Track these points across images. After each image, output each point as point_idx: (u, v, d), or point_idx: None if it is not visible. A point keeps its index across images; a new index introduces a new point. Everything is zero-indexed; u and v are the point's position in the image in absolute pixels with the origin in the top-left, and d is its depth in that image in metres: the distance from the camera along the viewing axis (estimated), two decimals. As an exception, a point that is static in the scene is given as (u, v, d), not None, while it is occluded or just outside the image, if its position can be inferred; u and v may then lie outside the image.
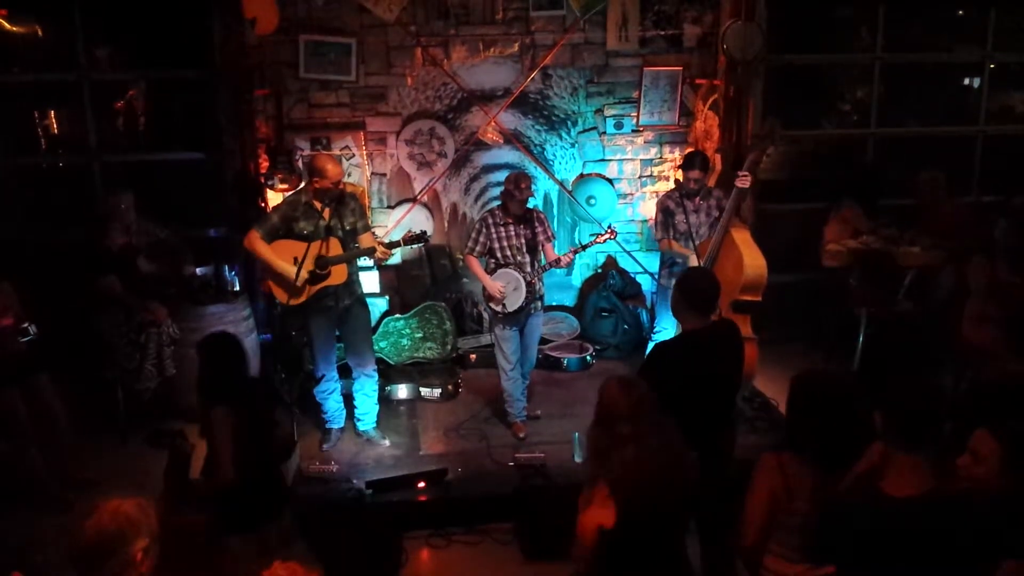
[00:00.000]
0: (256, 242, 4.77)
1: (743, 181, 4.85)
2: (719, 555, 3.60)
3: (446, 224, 6.78)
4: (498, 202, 5.38)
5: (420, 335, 6.30)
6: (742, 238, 4.92)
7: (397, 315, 6.31)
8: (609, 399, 2.81)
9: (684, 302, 3.57)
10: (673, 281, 5.26)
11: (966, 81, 7.55)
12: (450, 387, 5.94)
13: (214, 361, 3.54)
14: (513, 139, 6.62)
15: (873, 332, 5.85)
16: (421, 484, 4.64)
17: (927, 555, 2.20)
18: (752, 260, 4.82)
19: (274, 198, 6.00)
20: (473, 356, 6.40)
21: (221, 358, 3.56)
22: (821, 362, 6.06)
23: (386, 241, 5.04)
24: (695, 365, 3.45)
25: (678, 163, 6.17)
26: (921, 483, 2.26)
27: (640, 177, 6.85)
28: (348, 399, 5.29)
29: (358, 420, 5.28)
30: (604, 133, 6.71)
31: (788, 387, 2.89)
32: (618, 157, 6.79)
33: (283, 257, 4.78)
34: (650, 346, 5.50)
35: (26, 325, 4.47)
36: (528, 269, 5.08)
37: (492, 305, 5.13)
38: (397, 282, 6.64)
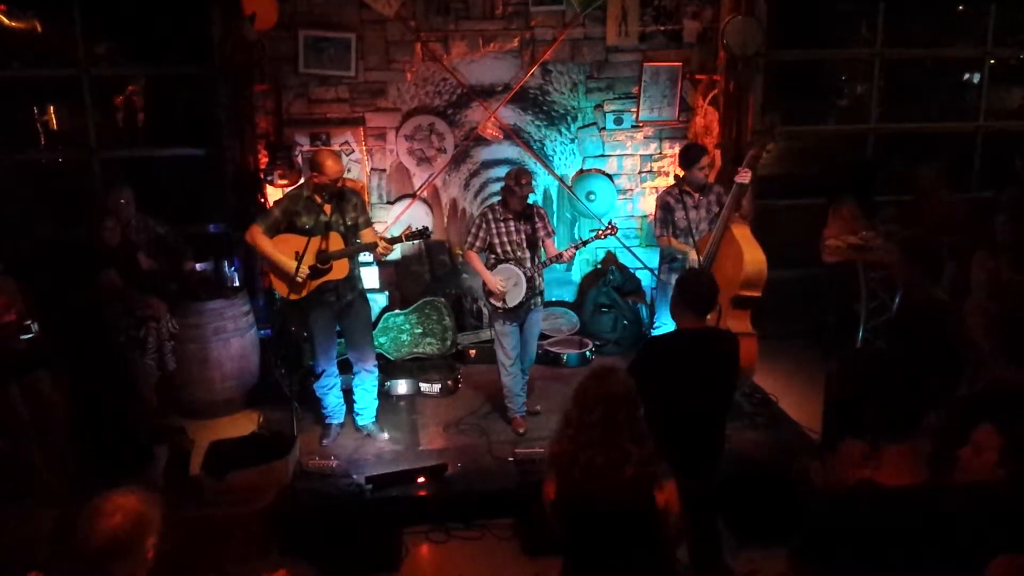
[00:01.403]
0: (258, 236, 4.77)
1: (743, 177, 4.85)
2: (706, 552, 3.61)
3: (446, 220, 6.78)
4: (498, 198, 5.38)
5: (420, 331, 6.31)
6: (742, 234, 4.92)
7: (397, 311, 6.32)
8: (583, 385, 2.86)
9: (682, 303, 3.58)
10: (673, 277, 5.30)
11: (966, 77, 7.56)
12: (450, 383, 5.95)
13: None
14: (513, 135, 6.62)
15: (904, 311, 5.79)
16: (421, 479, 4.64)
17: (920, 542, 2.21)
18: (752, 256, 4.82)
19: (273, 194, 6.00)
20: (473, 352, 6.41)
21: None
22: (821, 358, 6.06)
23: (387, 236, 5.04)
24: (684, 362, 3.45)
25: (678, 161, 6.15)
26: (914, 473, 2.27)
27: (640, 173, 6.85)
28: (348, 394, 5.30)
29: (357, 415, 5.28)
30: (604, 129, 6.71)
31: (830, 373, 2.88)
32: (618, 153, 6.79)
33: (284, 251, 4.78)
34: (649, 342, 5.53)
35: (28, 323, 4.47)
36: (528, 265, 5.08)
37: (492, 301, 5.13)
38: (397, 278, 6.64)
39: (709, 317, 3.78)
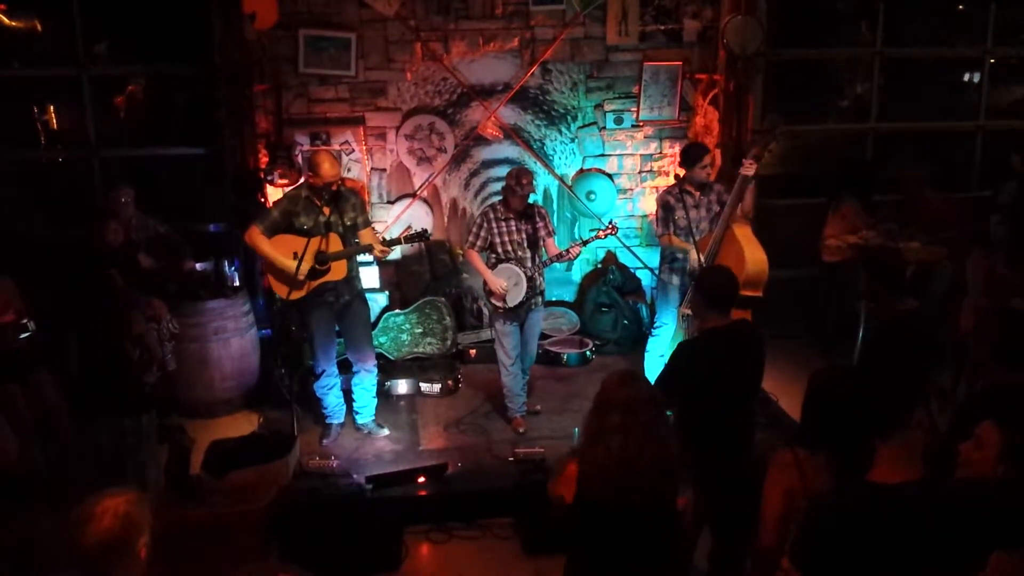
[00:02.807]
0: (256, 237, 4.77)
1: (748, 168, 4.85)
2: (728, 554, 3.60)
3: (446, 219, 6.77)
4: (498, 197, 5.37)
5: (420, 330, 6.31)
6: (743, 233, 4.91)
7: (397, 311, 6.31)
8: (606, 388, 2.86)
9: (705, 302, 3.58)
10: (674, 277, 5.31)
11: (966, 76, 7.56)
12: (450, 382, 5.94)
13: None
14: (513, 134, 6.61)
15: (875, 330, 5.84)
16: (421, 479, 4.64)
17: (914, 541, 2.20)
18: (753, 255, 4.81)
19: (274, 193, 6.00)
20: (473, 351, 6.41)
21: None
22: (820, 357, 6.07)
23: (386, 238, 5.03)
24: (719, 363, 3.45)
25: (678, 160, 6.16)
26: (907, 471, 2.26)
27: (640, 172, 6.85)
28: (348, 394, 5.30)
29: (356, 413, 5.28)
30: (604, 128, 6.71)
31: (806, 384, 2.88)
32: (618, 152, 6.79)
33: (283, 252, 4.77)
34: (650, 341, 5.52)
35: (25, 321, 4.47)
36: (529, 264, 5.08)
37: (493, 300, 5.13)
38: (397, 278, 6.64)
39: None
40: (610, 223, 5.20)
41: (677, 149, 6.65)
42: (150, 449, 4.62)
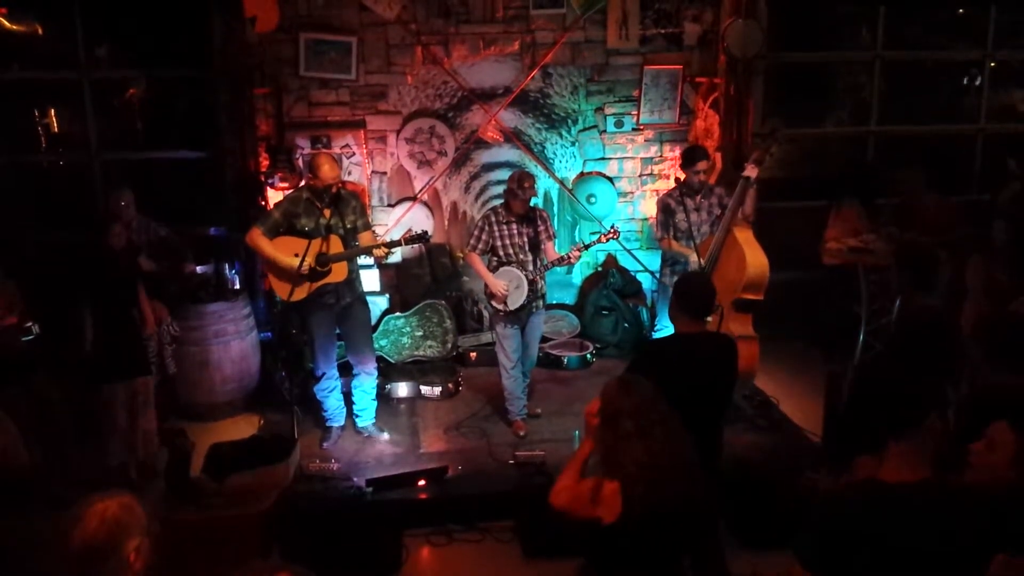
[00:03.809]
0: (258, 239, 4.77)
1: (749, 172, 4.86)
2: (708, 555, 3.59)
3: (446, 222, 6.78)
4: (498, 201, 5.37)
5: (420, 333, 6.31)
6: (744, 237, 4.92)
7: (397, 313, 6.32)
8: (610, 399, 2.81)
9: (678, 305, 3.56)
10: (675, 280, 5.30)
11: (967, 80, 7.57)
12: (450, 385, 5.94)
13: None
14: (513, 137, 6.62)
15: (905, 324, 5.82)
16: (421, 482, 4.64)
17: (922, 540, 2.20)
18: (755, 259, 4.82)
19: (274, 196, 6.00)
20: (473, 354, 6.40)
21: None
22: (821, 360, 6.06)
23: (386, 240, 5.03)
24: (682, 367, 3.42)
25: (679, 162, 6.15)
26: (917, 471, 2.26)
27: (640, 176, 6.85)
28: (348, 397, 5.30)
29: (356, 416, 5.28)
30: (604, 131, 6.72)
31: (853, 386, 2.84)
32: (618, 155, 6.79)
33: (285, 253, 4.77)
34: (649, 344, 5.52)
35: (29, 324, 4.47)
36: (530, 267, 5.08)
37: (494, 303, 5.13)
38: (397, 280, 6.65)
39: (710, 320, 3.76)
40: (612, 228, 5.16)
41: (678, 152, 6.66)
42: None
